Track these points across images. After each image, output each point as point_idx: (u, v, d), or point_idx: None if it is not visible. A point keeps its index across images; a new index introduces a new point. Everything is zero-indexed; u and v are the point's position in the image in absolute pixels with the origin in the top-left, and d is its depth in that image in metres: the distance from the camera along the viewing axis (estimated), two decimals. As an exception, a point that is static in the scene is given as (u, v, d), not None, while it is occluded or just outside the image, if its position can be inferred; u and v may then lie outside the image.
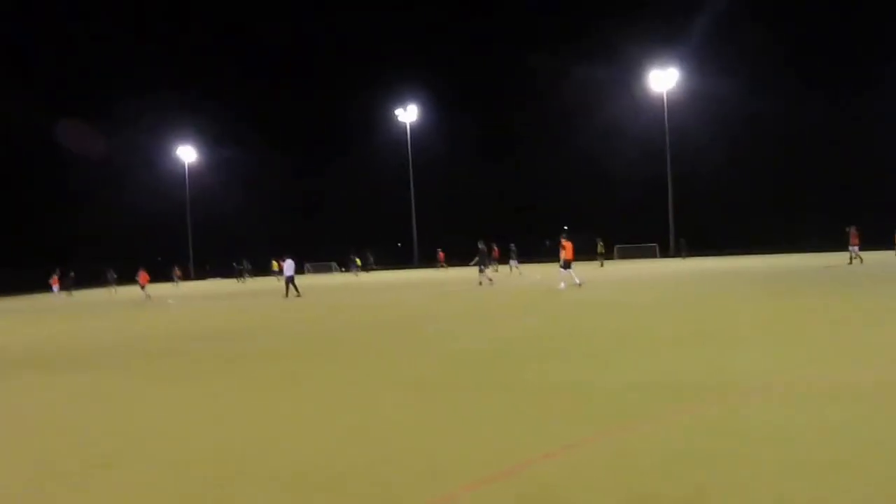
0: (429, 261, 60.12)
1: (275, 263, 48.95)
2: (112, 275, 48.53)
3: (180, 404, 7.18)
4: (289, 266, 26.39)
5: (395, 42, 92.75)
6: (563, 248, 22.30)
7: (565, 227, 37.84)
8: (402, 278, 42.25)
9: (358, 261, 58.09)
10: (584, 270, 27.27)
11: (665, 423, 5.23)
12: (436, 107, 73.65)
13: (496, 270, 36.67)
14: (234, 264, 58.38)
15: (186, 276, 64.50)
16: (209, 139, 79.73)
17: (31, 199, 78.02)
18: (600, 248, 45.71)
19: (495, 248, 38.49)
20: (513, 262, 37.21)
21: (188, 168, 75.74)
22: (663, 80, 56.93)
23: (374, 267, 61.17)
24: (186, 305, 26.68)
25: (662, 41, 66.13)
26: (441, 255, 53.40)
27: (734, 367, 7.35)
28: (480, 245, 26.38)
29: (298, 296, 25.38)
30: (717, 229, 58.88)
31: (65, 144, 72.16)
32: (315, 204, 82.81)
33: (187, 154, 75.20)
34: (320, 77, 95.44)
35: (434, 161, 71.36)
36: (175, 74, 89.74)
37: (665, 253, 56.97)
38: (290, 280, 26.07)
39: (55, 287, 46.76)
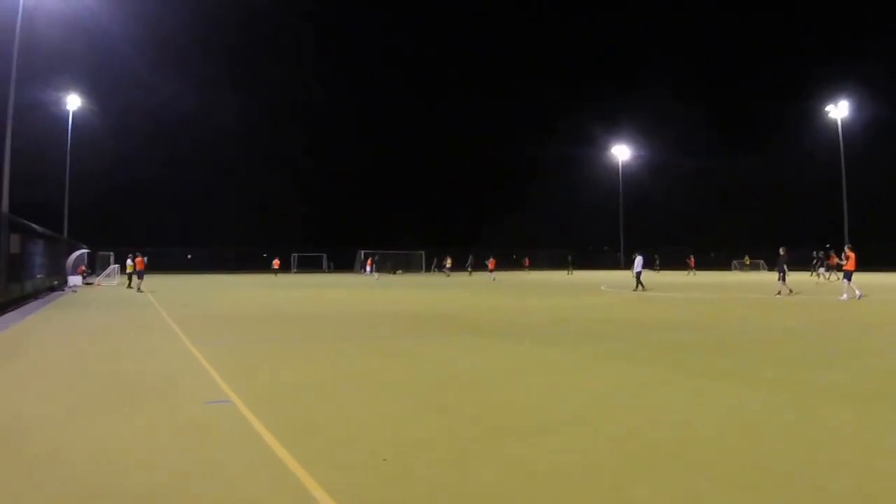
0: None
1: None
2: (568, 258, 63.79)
3: (615, 383, 7.51)
4: (638, 262, 28.00)
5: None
6: (848, 257, 21.29)
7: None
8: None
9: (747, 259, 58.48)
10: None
11: None
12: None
13: (828, 279, 36.22)
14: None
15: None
16: (641, 137, 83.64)
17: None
18: None
19: (832, 255, 36.50)
20: (821, 270, 37.36)
21: (622, 165, 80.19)
22: None
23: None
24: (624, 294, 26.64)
25: None
26: None
27: None
28: (781, 251, 24.50)
29: (644, 290, 27.13)
30: None
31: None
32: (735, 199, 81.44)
33: (621, 152, 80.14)
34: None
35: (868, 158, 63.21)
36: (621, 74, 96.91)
37: None
38: (637, 276, 27.96)
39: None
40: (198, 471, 4.35)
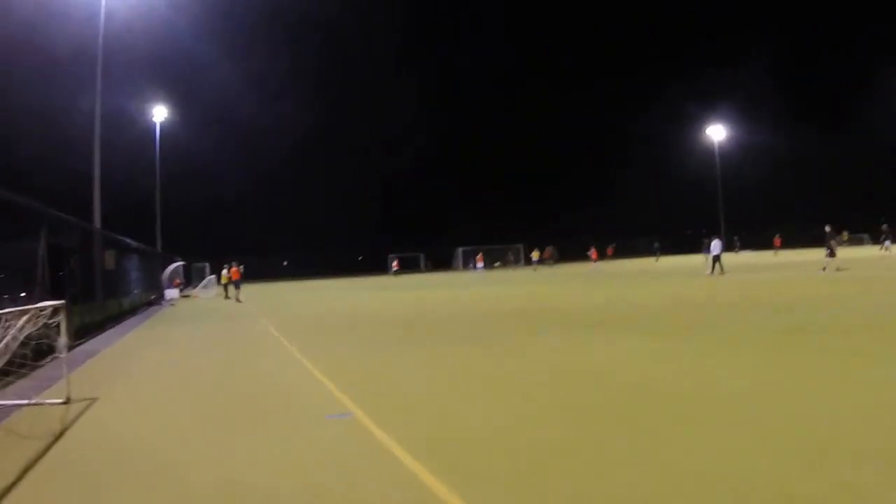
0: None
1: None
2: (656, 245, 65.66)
3: (740, 371, 7.49)
4: (715, 246, 29.76)
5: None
6: None
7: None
8: None
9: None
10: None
11: None
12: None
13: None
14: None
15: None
16: (737, 117, 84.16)
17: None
18: None
19: None
20: (887, 243, 39.44)
21: (717, 145, 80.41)
22: None
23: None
24: (734, 278, 27.25)
25: None
26: None
27: None
28: (827, 228, 26.76)
29: (722, 273, 28.66)
30: None
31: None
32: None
33: (716, 132, 79.99)
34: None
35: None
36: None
37: None
38: (716, 259, 29.42)
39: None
40: (326, 492, 4.32)
